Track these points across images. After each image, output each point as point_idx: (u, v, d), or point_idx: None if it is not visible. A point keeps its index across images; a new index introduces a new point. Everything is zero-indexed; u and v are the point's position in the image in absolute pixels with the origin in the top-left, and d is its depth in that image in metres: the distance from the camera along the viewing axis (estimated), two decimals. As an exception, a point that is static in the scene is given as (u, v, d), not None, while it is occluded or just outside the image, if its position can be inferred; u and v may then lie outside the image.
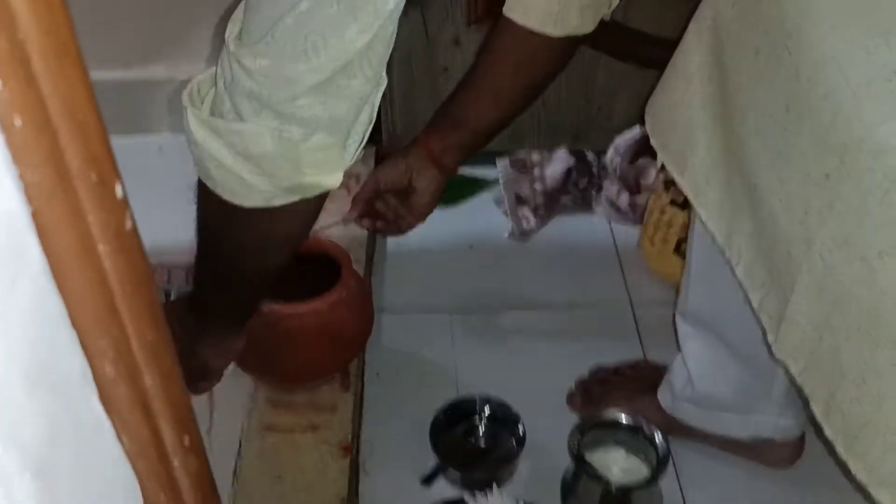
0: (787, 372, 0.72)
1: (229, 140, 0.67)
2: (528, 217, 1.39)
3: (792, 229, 0.67)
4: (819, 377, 0.68)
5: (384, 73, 0.67)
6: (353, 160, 0.71)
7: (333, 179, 0.70)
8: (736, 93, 0.72)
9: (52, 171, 0.26)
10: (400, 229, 1.07)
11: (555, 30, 0.87)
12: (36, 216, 0.28)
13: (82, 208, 0.28)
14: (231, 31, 0.66)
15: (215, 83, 0.69)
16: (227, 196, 0.72)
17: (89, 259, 0.30)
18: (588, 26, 0.90)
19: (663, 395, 1.05)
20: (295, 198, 0.71)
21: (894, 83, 0.57)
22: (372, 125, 0.70)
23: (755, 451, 1.04)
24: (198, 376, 0.96)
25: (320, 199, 0.73)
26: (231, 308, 0.90)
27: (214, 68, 0.70)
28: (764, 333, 0.74)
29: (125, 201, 0.30)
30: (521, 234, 1.39)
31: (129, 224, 0.31)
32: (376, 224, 1.08)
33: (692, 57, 0.77)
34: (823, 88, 0.61)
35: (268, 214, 0.72)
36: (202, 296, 0.89)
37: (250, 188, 0.70)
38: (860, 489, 0.67)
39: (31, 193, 0.27)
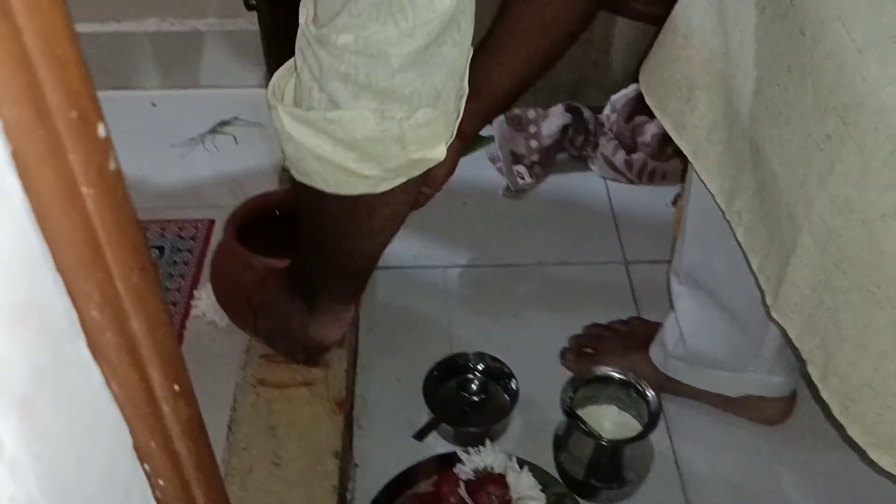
0: (784, 334, 0.73)
1: (329, 130, 0.65)
2: (522, 174, 1.38)
3: (792, 191, 0.67)
4: (817, 339, 0.68)
5: (470, 43, 0.66)
6: (453, 132, 0.71)
7: (437, 153, 0.70)
8: (738, 51, 0.71)
9: (30, 106, 0.26)
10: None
11: None
12: (15, 155, 0.27)
13: (63, 147, 0.28)
14: (304, 15, 0.64)
15: (296, 74, 0.67)
16: (332, 188, 0.70)
17: (72, 200, 0.30)
18: None
19: (655, 353, 1.06)
20: (401, 179, 0.70)
21: None
22: (466, 96, 0.70)
23: (746, 407, 1.05)
24: (314, 351, 0.98)
25: (422, 174, 0.72)
26: (342, 285, 0.90)
27: (291, 61, 0.68)
28: (763, 295, 0.74)
29: (108, 141, 0.30)
30: (517, 191, 1.38)
31: (112, 165, 0.30)
32: None
33: (693, 13, 0.75)
34: (827, 47, 0.60)
35: (375, 200, 0.71)
36: (309, 276, 0.89)
37: (356, 177, 0.68)
38: (857, 449, 0.67)
39: (9, 131, 0.27)
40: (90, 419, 0.36)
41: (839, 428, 0.68)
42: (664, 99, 0.80)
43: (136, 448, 0.39)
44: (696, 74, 0.76)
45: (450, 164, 1.02)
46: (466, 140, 1.01)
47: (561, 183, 1.41)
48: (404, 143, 0.67)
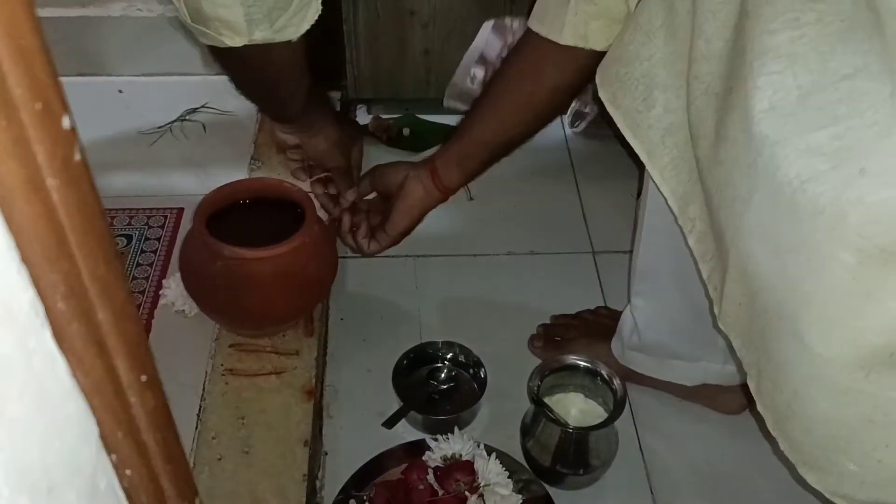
0: (728, 344, 0.74)
1: None
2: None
3: (723, 212, 0.68)
4: (753, 355, 0.69)
5: None
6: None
7: (231, 14, 0.81)
8: (696, 60, 0.71)
9: (-7, 98, 0.26)
10: (363, 247, 1.05)
11: (561, 36, 0.82)
12: (-21, 146, 0.27)
13: (27, 138, 0.28)
14: None
15: None
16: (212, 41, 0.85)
17: (37, 191, 0.30)
18: (598, 41, 0.84)
19: (615, 345, 1.07)
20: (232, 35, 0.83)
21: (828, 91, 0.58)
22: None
23: (706, 397, 1.07)
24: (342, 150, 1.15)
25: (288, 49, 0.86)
26: (284, 109, 1.07)
27: None
28: (710, 303, 0.76)
29: (73, 132, 0.30)
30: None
31: (77, 156, 0.30)
32: (350, 230, 1.07)
33: (656, 11, 0.74)
34: (760, 76, 0.61)
35: (253, 51, 0.84)
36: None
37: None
38: (787, 464, 0.69)
39: (-28, 123, 0.27)
40: (56, 410, 0.36)
41: (773, 442, 0.70)
42: (619, 95, 0.79)
43: (103, 438, 0.39)
44: (655, 73, 0.75)
45: (411, 211, 1.03)
46: (444, 191, 1.01)
47: (530, 175, 1.42)
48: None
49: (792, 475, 0.75)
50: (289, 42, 0.84)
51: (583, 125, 1.45)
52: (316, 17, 0.84)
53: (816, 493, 0.68)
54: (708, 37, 0.69)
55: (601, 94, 0.81)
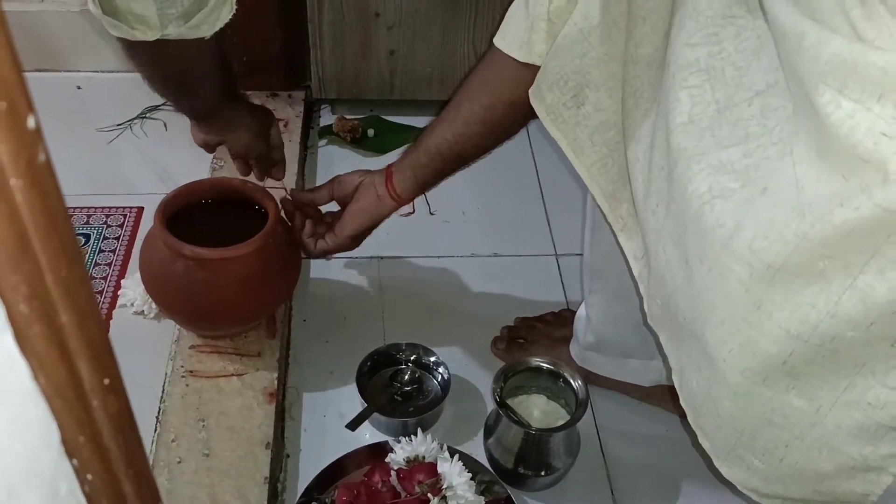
0: (657, 341, 0.76)
1: None
2: None
3: (646, 215, 0.70)
4: (675, 353, 0.72)
5: None
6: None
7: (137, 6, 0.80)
8: (627, 63, 0.72)
9: (-43, 97, 0.25)
10: (310, 248, 1.04)
11: (519, 53, 0.82)
12: (-59, 146, 0.27)
13: (-9, 138, 0.27)
14: None
15: None
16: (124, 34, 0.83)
17: (0, 193, 0.29)
18: None
19: (573, 348, 1.09)
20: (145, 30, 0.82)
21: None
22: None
23: (664, 399, 1.08)
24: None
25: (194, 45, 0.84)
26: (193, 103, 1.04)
27: None
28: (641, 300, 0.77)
29: (38, 133, 0.29)
30: None
31: (42, 157, 0.30)
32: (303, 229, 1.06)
33: (593, 11, 0.74)
34: (682, 89, 0.63)
35: (165, 46, 0.83)
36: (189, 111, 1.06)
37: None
38: (705, 457, 0.72)
39: (-66, 122, 0.26)
40: (16, 413, 0.35)
41: (694, 435, 0.72)
42: (544, 88, 0.79)
43: (65, 442, 0.39)
44: (587, 71, 0.75)
45: (361, 217, 1.01)
46: (396, 199, 0.99)
47: (493, 177, 1.43)
48: None
49: (708, 467, 0.78)
50: (201, 39, 0.83)
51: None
52: (230, 16, 0.84)
53: (730, 486, 0.71)
54: (637, 41, 0.70)
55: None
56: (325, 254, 1.05)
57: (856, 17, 0.48)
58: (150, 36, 0.81)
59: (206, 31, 0.83)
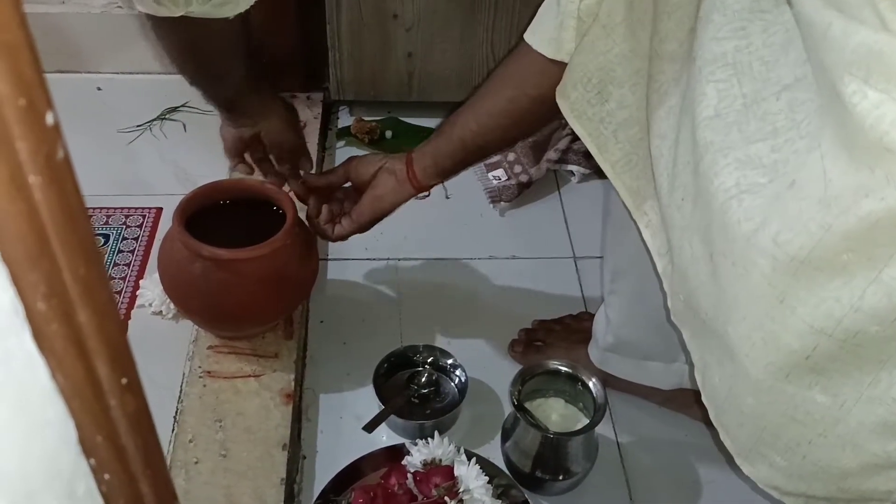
0: (681, 339, 0.75)
1: None
2: (498, 176, 1.39)
3: (670, 211, 0.69)
4: (697, 349, 0.71)
5: None
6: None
7: None
8: (651, 58, 0.72)
9: (-24, 93, 0.25)
10: (328, 234, 1.04)
11: (548, 50, 0.81)
12: (-39, 142, 0.27)
13: (11, 135, 0.27)
14: None
15: None
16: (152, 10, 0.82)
17: (19, 190, 0.29)
18: None
19: (592, 350, 1.07)
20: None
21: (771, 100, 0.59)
22: None
23: (684, 405, 1.07)
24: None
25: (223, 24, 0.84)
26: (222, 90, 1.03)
27: None
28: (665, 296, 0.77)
29: (57, 129, 0.29)
30: (501, 197, 1.37)
31: (60, 153, 0.30)
32: (319, 213, 1.05)
33: (617, 7, 0.74)
34: (708, 83, 0.62)
35: (189, 23, 0.82)
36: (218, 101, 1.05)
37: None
38: (726, 455, 0.71)
39: (-46, 117, 0.26)
40: (35, 412, 0.35)
41: (715, 432, 0.72)
42: (569, 85, 0.79)
43: (82, 442, 0.38)
44: (612, 67, 0.75)
45: (381, 201, 1.00)
46: (416, 186, 0.99)
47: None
48: None
49: (729, 464, 0.76)
50: (226, 19, 0.83)
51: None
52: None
53: (752, 483, 0.70)
54: (662, 37, 0.70)
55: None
56: (342, 239, 1.05)
57: (884, 8, 0.47)
58: (175, 11, 0.80)
59: (230, 12, 0.83)
